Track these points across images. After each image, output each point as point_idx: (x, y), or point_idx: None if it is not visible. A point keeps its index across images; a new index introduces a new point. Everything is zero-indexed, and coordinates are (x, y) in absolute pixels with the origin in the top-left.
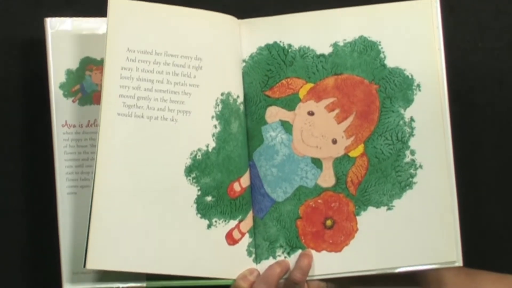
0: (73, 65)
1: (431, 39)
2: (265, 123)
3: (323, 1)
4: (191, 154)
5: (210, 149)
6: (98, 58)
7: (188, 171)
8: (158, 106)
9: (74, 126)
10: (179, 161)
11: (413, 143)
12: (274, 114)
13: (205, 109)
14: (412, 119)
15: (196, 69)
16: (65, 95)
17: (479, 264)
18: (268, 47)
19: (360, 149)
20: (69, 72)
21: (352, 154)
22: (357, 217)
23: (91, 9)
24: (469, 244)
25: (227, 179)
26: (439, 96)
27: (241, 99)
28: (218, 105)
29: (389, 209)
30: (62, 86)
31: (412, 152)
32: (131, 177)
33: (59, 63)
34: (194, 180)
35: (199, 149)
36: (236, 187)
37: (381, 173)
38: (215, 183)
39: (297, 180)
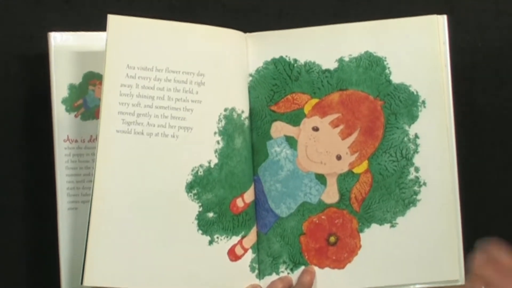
0: (76, 79)
1: (437, 55)
2: (270, 138)
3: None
4: (192, 170)
5: (212, 165)
6: (101, 73)
7: (189, 187)
8: (159, 123)
9: (76, 141)
10: (179, 178)
11: (417, 160)
12: (279, 129)
13: (208, 125)
14: (416, 136)
15: (199, 85)
16: (67, 110)
17: None
18: (275, 61)
19: (364, 165)
20: (71, 87)
21: (356, 170)
22: (361, 234)
23: (91, 9)
24: None
25: (229, 195)
26: (445, 113)
27: (246, 114)
28: (221, 121)
29: (392, 226)
30: (64, 101)
31: (417, 169)
32: (129, 194)
33: (62, 77)
34: (195, 197)
35: (200, 165)
36: (239, 203)
37: (385, 190)
38: (217, 199)
39: (301, 196)
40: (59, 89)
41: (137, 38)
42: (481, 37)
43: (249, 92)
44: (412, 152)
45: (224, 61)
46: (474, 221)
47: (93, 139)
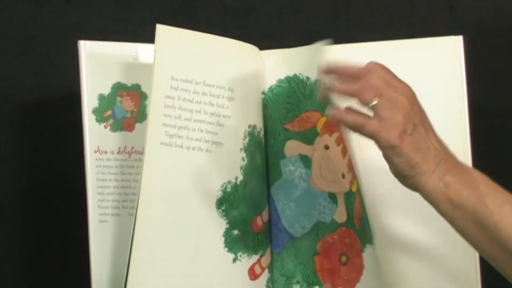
0: (105, 90)
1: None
2: (284, 156)
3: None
4: (222, 186)
5: (238, 182)
6: (129, 84)
7: (219, 203)
8: (196, 137)
9: (106, 152)
10: (211, 193)
11: None
12: (294, 148)
13: (235, 141)
14: None
15: (229, 100)
16: (97, 121)
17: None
18: (288, 79)
19: (356, 183)
20: (101, 97)
21: (354, 188)
22: (362, 254)
23: (91, 9)
24: None
25: (252, 213)
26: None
27: (262, 132)
28: (246, 137)
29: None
30: (95, 111)
31: None
32: (169, 208)
33: (92, 87)
34: (223, 213)
35: (229, 182)
36: (259, 221)
37: (366, 209)
38: (242, 217)
39: (316, 215)
40: (90, 99)
41: (181, 50)
42: (481, 37)
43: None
44: None
45: (248, 77)
46: None
47: (121, 151)
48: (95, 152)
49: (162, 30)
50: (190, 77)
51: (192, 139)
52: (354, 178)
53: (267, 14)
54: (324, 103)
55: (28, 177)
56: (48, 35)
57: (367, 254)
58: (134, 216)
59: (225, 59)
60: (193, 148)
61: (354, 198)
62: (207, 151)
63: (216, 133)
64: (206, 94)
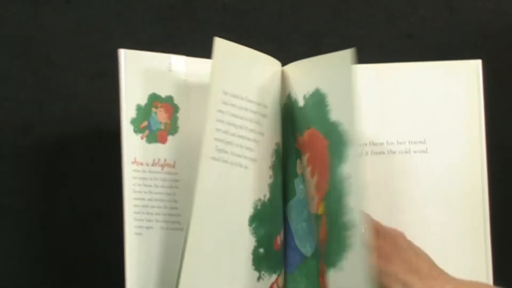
0: (142, 100)
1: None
2: (297, 175)
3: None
4: (254, 203)
5: (266, 200)
6: (163, 96)
7: (251, 220)
8: (238, 152)
9: (142, 164)
10: (246, 210)
11: None
12: (299, 166)
13: (266, 158)
14: None
15: (264, 117)
16: (135, 131)
17: None
18: (289, 97)
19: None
20: (139, 108)
21: (320, 211)
22: (326, 276)
23: (91, 9)
24: None
25: (274, 232)
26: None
27: (281, 150)
28: (273, 155)
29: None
30: (133, 122)
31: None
32: (215, 224)
33: (131, 97)
34: (253, 230)
35: (259, 199)
36: (279, 240)
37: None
38: (267, 235)
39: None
40: (128, 109)
41: (233, 64)
42: (481, 37)
43: None
44: None
45: (276, 94)
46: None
47: (156, 163)
48: (132, 163)
49: (219, 44)
50: (238, 92)
51: (235, 155)
52: (321, 200)
53: (267, 14)
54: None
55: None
56: (48, 35)
57: (330, 278)
58: (185, 230)
59: (262, 75)
60: (235, 164)
61: (319, 221)
62: (246, 167)
63: (253, 150)
64: (247, 110)
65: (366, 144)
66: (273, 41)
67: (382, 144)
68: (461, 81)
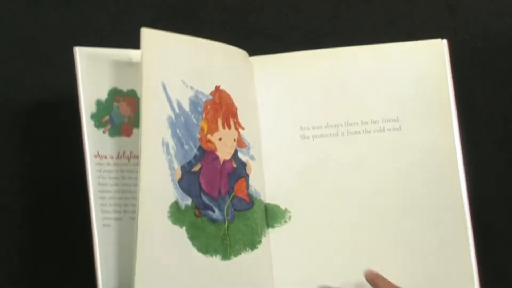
0: (102, 95)
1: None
2: None
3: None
4: None
5: None
6: (125, 90)
7: None
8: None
9: (106, 157)
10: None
11: None
12: None
13: None
14: None
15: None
16: (96, 126)
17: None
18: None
19: None
20: (99, 103)
21: None
22: None
23: (91, 9)
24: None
25: None
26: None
27: None
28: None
29: None
30: (93, 117)
31: None
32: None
33: (89, 93)
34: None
35: None
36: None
37: None
38: None
39: None
40: (88, 104)
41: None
42: (481, 37)
43: None
44: None
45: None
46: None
47: (121, 155)
48: (95, 157)
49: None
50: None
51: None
52: None
53: (267, 14)
54: None
55: (26, 179)
56: (48, 35)
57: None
58: (136, 219)
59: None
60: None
61: None
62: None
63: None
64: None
65: (341, 125)
66: (273, 41)
67: (357, 124)
68: (429, 60)
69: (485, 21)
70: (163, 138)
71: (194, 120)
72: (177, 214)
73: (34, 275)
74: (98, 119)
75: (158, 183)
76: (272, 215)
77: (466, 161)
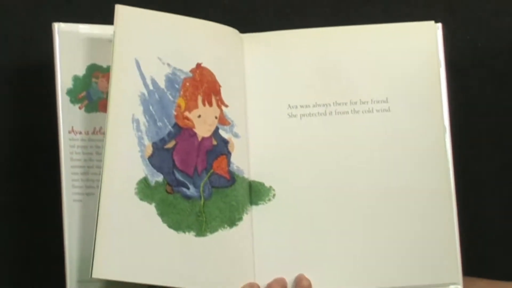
0: (80, 71)
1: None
2: None
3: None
4: None
5: None
6: (104, 66)
7: None
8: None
9: (81, 133)
10: None
11: None
12: None
13: None
14: None
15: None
16: (72, 102)
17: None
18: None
19: None
20: (76, 78)
21: None
22: None
23: (92, 7)
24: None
25: None
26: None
27: None
28: None
29: None
30: (69, 92)
31: None
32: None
33: (67, 68)
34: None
35: None
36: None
37: None
38: None
39: None
40: (64, 80)
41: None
42: (481, 37)
43: None
44: None
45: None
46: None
47: (97, 131)
48: (69, 132)
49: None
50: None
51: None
52: None
53: (267, 14)
54: None
55: None
56: (49, 35)
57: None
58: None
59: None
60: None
61: None
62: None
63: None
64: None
65: (330, 104)
66: None
67: (345, 104)
68: (420, 41)
69: (485, 21)
70: (133, 115)
71: (170, 97)
72: (145, 190)
73: (38, 282)
74: (74, 95)
75: (125, 159)
76: (257, 193)
77: (464, 161)
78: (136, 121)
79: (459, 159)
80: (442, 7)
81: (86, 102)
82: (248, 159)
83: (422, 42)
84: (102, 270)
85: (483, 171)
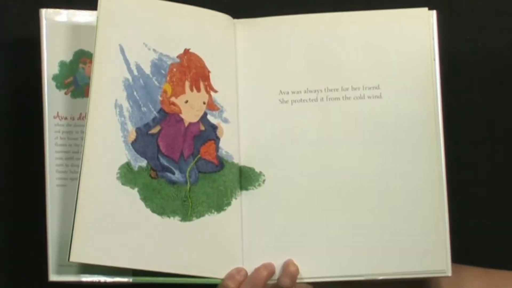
0: (67, 57)
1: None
2: None
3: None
4: None
5: None
6: (92, 51)
7: None
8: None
9: (66, 118)
10: None
11: None
12: None
13: None
14: None
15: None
16: (57, 87)
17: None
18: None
19: None
20: (62, 64)
21: None
22: None
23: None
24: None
25: None
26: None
27: None
28: None
29: None
30: (55, 78)
31: None
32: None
33: (53, 54)
34: None
35: None
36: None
37: None
38: None
39: None
40: (50, 66)
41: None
42: (481, 37)
43: None
44: None
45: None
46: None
47: (82, 116)
48: (54, 118)
49: None
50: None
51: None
52: None
53: (267, 14)
54: None
55: None
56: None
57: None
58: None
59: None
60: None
61: None
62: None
63: None
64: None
65: (321, 91)
66: None
67: (337, 90)
68: (414, 28)
69: (485, 21)
70: (116, 100)
71: (156, 83)
72: (128, 175)
73: (19, 265)
74: (60, 80)
75: (107, 144)
76: (247, 178)
77: (464, 161)
78: (119, 107)
79: (457, 159)
80: (442, 7)
81: (72, 87)
82: (238, 145)
83: (416, 29)
84: (79, 254)
85: (482, 169)
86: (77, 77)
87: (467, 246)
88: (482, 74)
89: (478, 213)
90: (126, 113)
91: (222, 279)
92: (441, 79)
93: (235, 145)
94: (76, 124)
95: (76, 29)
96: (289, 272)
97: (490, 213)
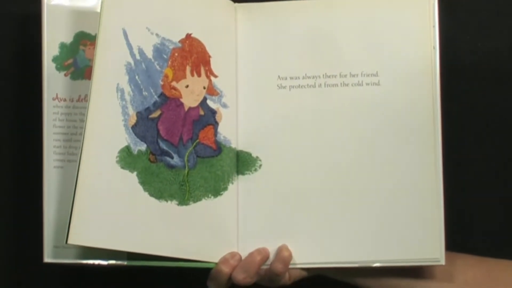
0: (67, 38)
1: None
2: None
3: None
4: None
5: None
6: (93, 34)
7: None
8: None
9: (65, 100)
10: None
11: None
12: None
13: None
14: None
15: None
16: (57, 69)
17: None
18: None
19: None
20: (62, 46)
21: None
22: None
23: None
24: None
25: None
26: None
27: None
28: None
29: None
30: (55, 59)
31: None
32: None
33: (53, 36)
34: None
35: None
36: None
37: None
38: None
39: None
40: (50, 47)
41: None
42: (481, 37)
43: None
44: None
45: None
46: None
47: (82, 99)
48: (54, 99)
49: None
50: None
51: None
52: None
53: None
54: None
55: None
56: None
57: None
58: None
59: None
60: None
61: None
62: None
63: None
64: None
65: (319, 77)
66: None
67: (335, 76)
68: (414, 16)
69: (485, 21)
70: (118, 84)
71: (158, 67)
72: (127, 159)
73: (15, 246)
74: (60, 62)
75: (107, 127)
76: (243, 162)
77: (463, 160)
78: (120, 90)
79: (457, 159)
80: (442, 7)
81: (72, 69)
82: (236, 129)
83: (416, 17)
84: (77, 237)
85: (482, 169)
86: (77, 59)
87: (463, 235)
88: (482, 74)
89: (473, 200)
90: (127, 97)
91: (216, 263)
92: (441, 79)
93: (233, 130)
94: (75, 106)
95: (77, 10)
96: (282, 257)
97: (487, 204)
